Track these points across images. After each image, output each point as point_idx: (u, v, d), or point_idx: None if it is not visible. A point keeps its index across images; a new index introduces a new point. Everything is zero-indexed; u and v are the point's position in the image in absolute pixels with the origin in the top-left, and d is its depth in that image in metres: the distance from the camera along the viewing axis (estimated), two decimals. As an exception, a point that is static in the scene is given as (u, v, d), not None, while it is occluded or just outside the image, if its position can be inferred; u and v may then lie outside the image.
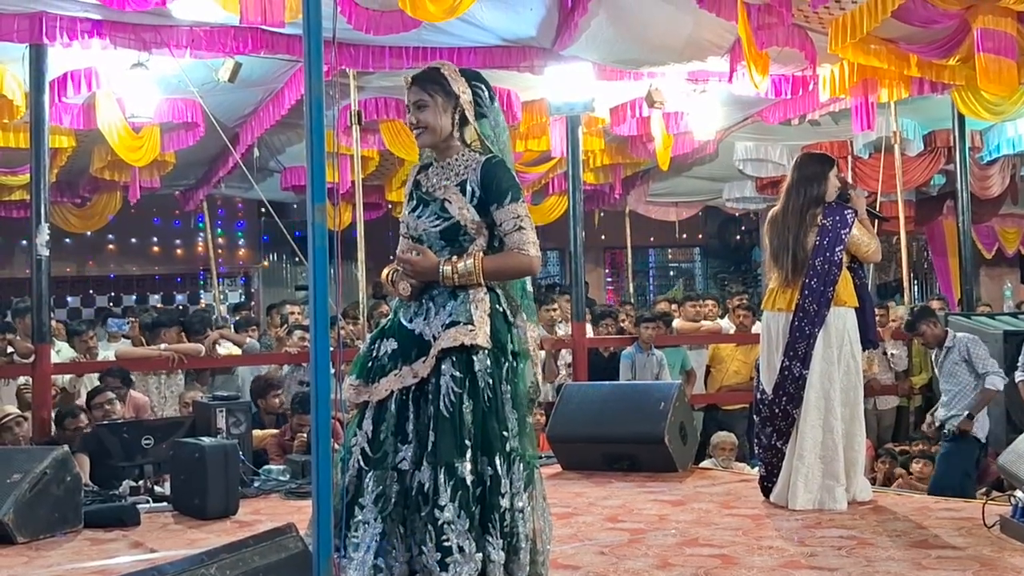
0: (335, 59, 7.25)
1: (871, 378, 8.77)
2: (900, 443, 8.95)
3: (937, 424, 7.34)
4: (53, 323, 7.95)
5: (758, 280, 16.53)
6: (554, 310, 9.38)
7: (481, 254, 3.30)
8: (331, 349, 2.52)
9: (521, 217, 3.30)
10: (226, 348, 8.60)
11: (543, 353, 3.50)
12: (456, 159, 3.39)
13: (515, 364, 3.29)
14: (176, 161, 10.34)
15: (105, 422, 6.46)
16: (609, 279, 18.07)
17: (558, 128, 9.61)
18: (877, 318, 6.90)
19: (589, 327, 9.22)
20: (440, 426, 3.17)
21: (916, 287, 14.98)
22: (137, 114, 8.55)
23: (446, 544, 3.10)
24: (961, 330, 7.55)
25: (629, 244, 14.71)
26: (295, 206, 13.46)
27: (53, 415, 6.98)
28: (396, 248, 3.54)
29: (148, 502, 5.75)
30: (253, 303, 15.05)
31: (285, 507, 5.73)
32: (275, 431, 7.28)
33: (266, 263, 16.44)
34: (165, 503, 5.76)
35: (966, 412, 7.01)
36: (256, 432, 7.15)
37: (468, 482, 3.14)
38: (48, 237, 7.23)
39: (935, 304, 10.73)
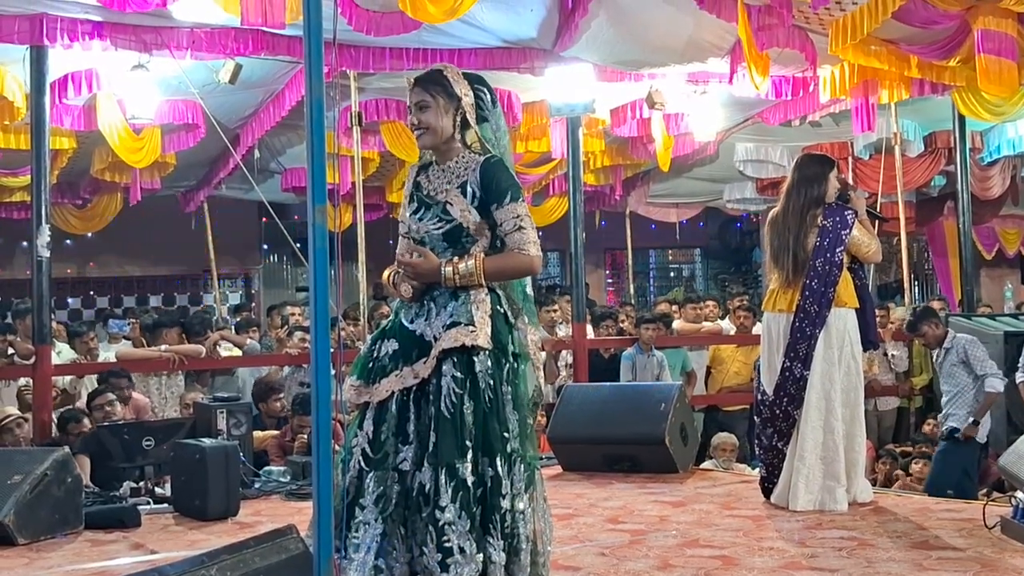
0: (335, 60, 7.25)
1: (872, 379, 8.77)
2: (901, 444, 8.95)
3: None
4: (54, 324, 7.96)
5: (758, 281, 16.52)
6: (554, 311, 9.38)
7: (482, 255, 3.30)
8: (331, 350, 2.52)
9: (521, 217, 3.30)
10: (227, 349, 8.60)
11: (544, 355, 3.50)
12: (457, 161, 3.39)
13: (516, 365, 3.30)
14: (177, 162, 10.33)
15: (106, 423, 6.46)
16: (610, 280, 18.07)
17: (558, 129, 9.61)
18: (878, 319, 6.90)
19: (590, 328, 9.22)
20: (441, 427, 3.17)
21: (917, 288, 14.97)
22: (138, 115, 8.55)
23: (447, 545, 3.10)
24: (962, 331, 7.54)
25: (630, 245, 14.71)
26: (296, 207, 13.47)
27: (55, 417, 6.98)
28: (396, 249, 3.55)
29: (149, 503, 5.74)
30: (253, 304, 15.04)
31: (286, 508, 5.73)
32: (276, 432, 7.28)
33: (267, 264, 16.43)
34: (166, 504, 5.76)
35: (971, 418, 6.99)
36: (257, 433, 7.14)
37: (469, 483, 3.14)
38: (49, 238, 7.23)
39: (936, 305, 10.73)
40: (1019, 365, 7.18)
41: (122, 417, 6.82)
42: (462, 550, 3.10)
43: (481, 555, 3.13)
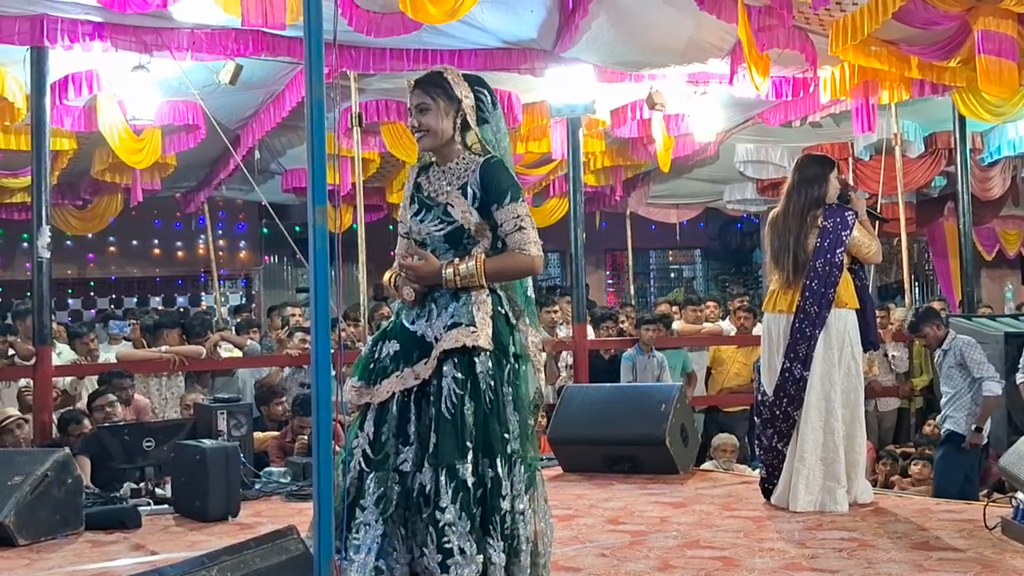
0: (336, 61, 7.25)
1: (872, 380, 8.77)
2: (901, 445, 8.96)
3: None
4: (54, 325, 7.95)
5: (759, 282, 16.52)
6: (555, 312, 9.38)
7: (483, 256, 3.30)
8: (332, 351, 2.52)
9: (521, 217, 3.30)
10: (227, 350, 8.59)
11: (544, 356, 3.50)
12: (457, 162, 3.39)
13: (517, 366, 3.30)
14: (177, 163, 10.34)
15: (106, 424, 6.46)
16: (610, 281, 18.07)
17: (559, 130, 9.61)
18: (878, 320, 6.90)
19: (590, 329, 9.22)
20: (441, 428, 3.17)
21: (917, 289, 14.97)
22: (138, 116, 8.55)
23: (447, 546, 3.10)
24: (962, 332, 7.53)
25: (630, 246, 14.71)
26: (296, 208, 13.47)
27: (55, 418, 6.98)
28: (396, 250, 3.55)
29: (149, 504, 5.74)
30: (254, 305, 15.05)
31: (286, 509, 5.73)
32: (276, 433, 7.29)
33: (267, 265, 16.44)
34: (166, 505, 5.76)
35: (973, 425, 6.97)
36: (257, 434, 7.15)
37: (469, 484, 3.14)
38: (49, 239, 7.23)
39: (936, 305, 10.73)
40: (1019, 366, 7.18)
41: (122, 418, 6.82)
42: (462, 551, 3.10)
43: (481, 556, 3.13)
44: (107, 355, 8.33)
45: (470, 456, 3.16)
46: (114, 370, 7.38)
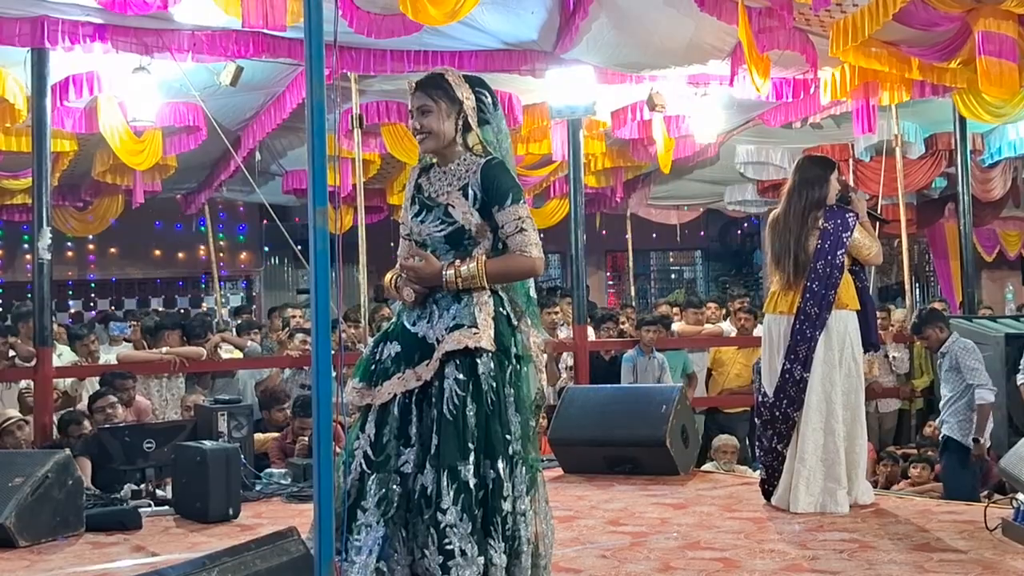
0: (336, 63, 7.25)
1: (872, 381, 8.77)
2: (902, 446, 8.95)
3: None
4: (55, 326, 7.95)
5: (759, 283, 16.52)
6: (555, 313, 9.38)
7: (484, 257, 3.30)
8: (332, 352, 2.52)
9: (522, 218, 3.30)
10: (227, 351, 8.59)
11: (545, 357, 3.50)
12: (458, 163, 3.39)
13: (518, 367, 3.30)
14: (178, 165, 10.33)
15: (107, 426, 6.46)
16: (610, 282, 18.07)
17: (559, 131, 9.61)
18: (878, 321, 6.89)
19: (591, 330, 9.21)
20: (443, 429, 3.17)
21: (917, 290, 14.97)
22: (139, 118, 8.55)
23: (448, 547, 3.10)
24: (963, 333, 7.51)
25: (630, 247, 14.71)
26: (297, 209, 13.47)
27: (56, 420, 6.98)
28: (397, 251, 3.55)
29: (150, 506, 5.74)
30: (254, 306, 15.05)
31: (287, 510, 5.73)
32: (277, 435, 7.28)
33: (267, 266, 16.44)
34: (167, 507, 5.76)
35: (971, 436, 6.95)
36: (258, 436, 7.15)
37: (471, 485, 3.14)
38: (50, 241, 7.23)
39: (937, 306, 10.73)
40: (1020, 367, 7.17)
41: (123, 419, 6.82)
42: (463, 552, 3.10)
43: (482, 557, 3.13)
44: (107, 356, 8.33)
45: (472, 457, 3.16)
46: (115, 371, 7.38)
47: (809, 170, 5.38)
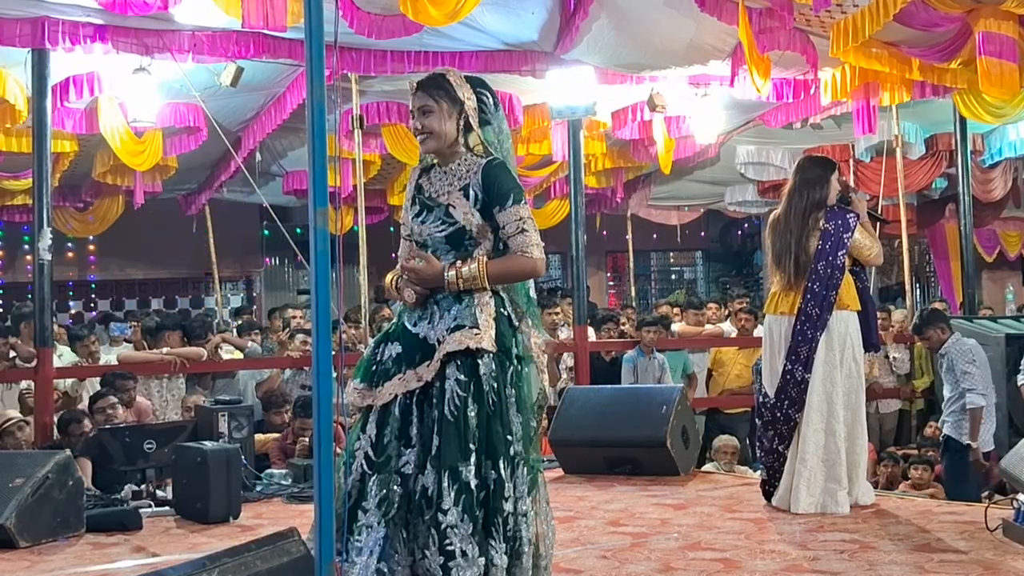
0: (337, 63, 7.25)
1: (873, 382, 8.77)
2: (902, 447, 8.95)
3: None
4: (55, 327, 7.95)
5: (760, 284, 16.52)
6: (556, 314, 9.38)
7: (485, 258, 3.30)
8: (333, 353, 2.52)
9: (523, 219, 3.30)
10: (228, 352, 8.59)
11: (546, 357, 3.50)
12: (459, 164, 3.39)
13: (519, 368, 3.30)
14: (178, 165, 10.33)
15: (107, 426, 6.46)
16: (611, 283, 18.06)
17: (560, 132, 9.61)
18: (879, 321, 6.89)
19: (591, 331, 9.21)
20: (444, 430, 3.17)
21: (918, 290, 14.97)
22: (139, 118, 8.55)
23: (449, 548, 3.10)
24: (963, 333, 7.50)
25: (631, 248, 14.70)
26: (297, 210, 13.47)
27: (56, 420, 6.98)
28: (397, 252, 3.55)
29: (150, 506, 5.74)
30: (255, 307, 15.05)
31: (287, 511, 5.73)
32: (277, 435, 7.28)
33: (268, 267, 16.44)
34: (167, 507, 5.75)
35: (964, 439, 6.95)
36: (258, 436, 7.14)
37: (472, 486, 3.14)
38: (50, 241, 7.24)
39: (937, 306, 10.73)
40: (1020, 368, 7.17)
41: (123, 420, 6.82)
42: (464, 553, 3.10)
43: (483, 558, 3.13)
44: (108, 357, 8.33)
45: (473, 458, 3.16)
46: (116, 372, 7.38)
47: (809, 171, 5.37)
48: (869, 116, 8.81)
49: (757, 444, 5.59)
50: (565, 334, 9.25)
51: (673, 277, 18.97)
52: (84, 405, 7.20)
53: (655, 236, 16.05)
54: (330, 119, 2.52)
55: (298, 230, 11.88)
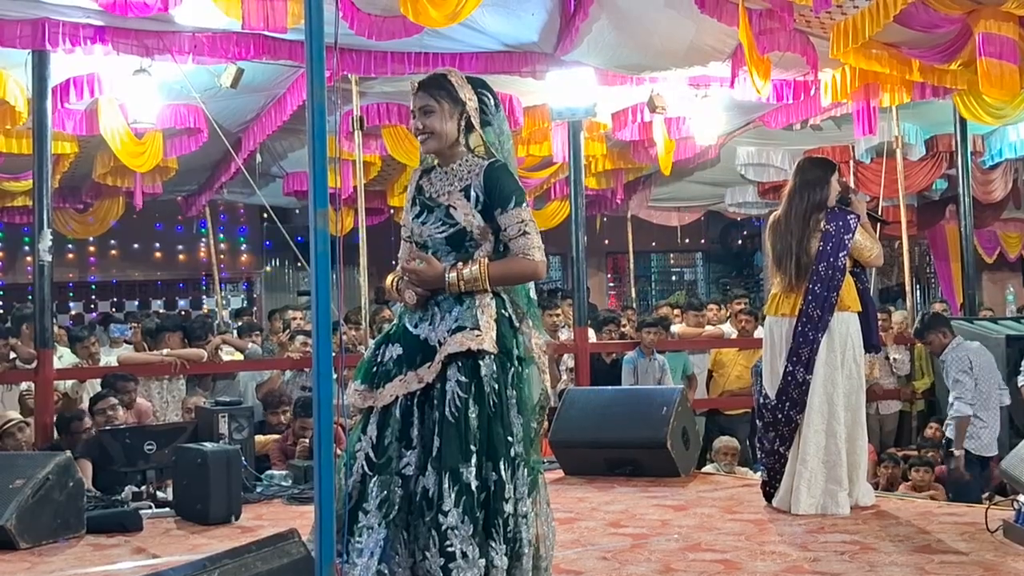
0: (337, 64, 7.26)
1: (873, 383, 8.76)
2: (903, 448, 8.95)
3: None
4: (55, 328, 7.95)
5: (760, 285, 16.52)
6: (557, 315, 9.38)
7: (486, 260, 3.30)
8: (333, 354, 2.52)
9: (525, 222, 3.30)
10: (228, 353, 8.59)
11: (546, 358, 3.50)
12: (460, 164, 3.39)
13: (520, 369, 3.29)
14: (178, 167, 10.34)
15: (107, 427, 6.46)
16: (611, 284, 18.06)
17: (560, 133, 9.61)
18: (879, 322, 6.89)
19: (592, 332, 9.21)
20: (445, 431, 3.17)
21: (918, 291, 14.97)
22: (140, 120, 8.55)
23: (449, 549, 3.10)
24: (964, 334, 7.50)
25: (631, 249, 14.71)
26: (297, 211, 13.47)
27: (55, 419, 6.98)
28: (398, 253, 3.55)
29: (150, 507, 5.74)
30: (255, 308, 15.06)
31: (288, 512, 5.73)
32: (277, 436, 7.28)
33: (268, 268, 16.45)
34: (167, 508, 5.75)
35: (952, 449, 6.95)
36: (259, 437, 7.14)
37: (472, 487, 3.13)
38: (51, 243, 7.24)
39: (937, 307, 10.73)
40: (1021, 369, 7.16)
41: (124, 421, 6.82)
42: (464, 555, 3.10)
43: (483, 560, 3.12)
44: (108, 358, 8.33)
45: (473, 460, 3.15)
46: (119, 373, 7.38)
47: (810, 172, 5.37)
48: (869, 117, 8.81)
49: (758, 445, 5.58)
50: (566, 335, 9.25)
51: (673, 278, 18.97)
52: (84, 406, 7.19)
53: (655, 237, 16.05)
54: (330, 120, 2.52)
55: (299, 238, 11.89)
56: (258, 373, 8.67)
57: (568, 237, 9.16)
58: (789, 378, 5.17)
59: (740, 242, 18.10)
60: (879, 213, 8.38)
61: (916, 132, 10.70)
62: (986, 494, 6.57)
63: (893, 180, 10.15)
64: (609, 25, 7.57)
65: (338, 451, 3.65)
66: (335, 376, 2.58)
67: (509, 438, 3.21)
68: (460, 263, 3.30)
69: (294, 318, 9.80)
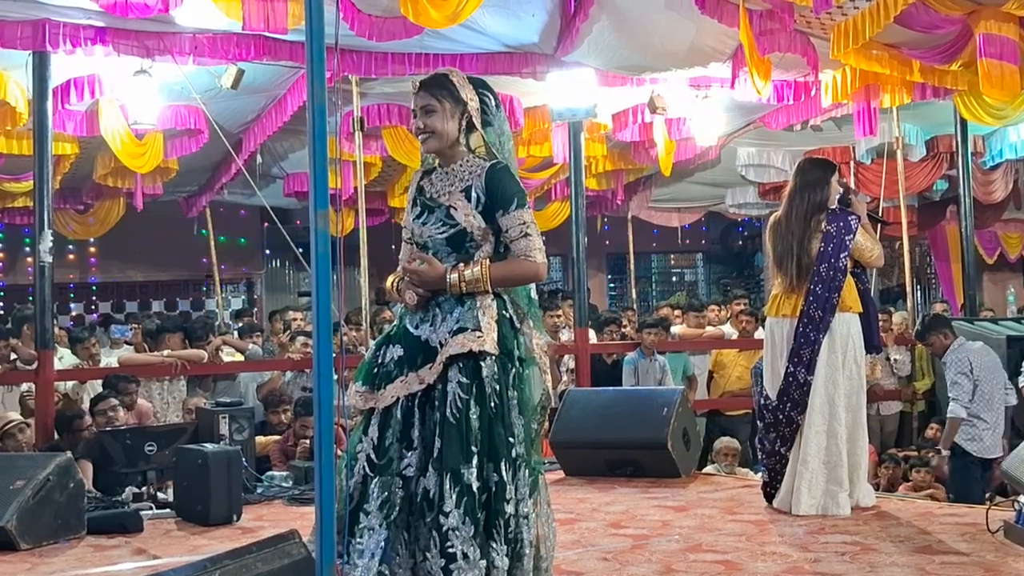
0: (337, 65, 7.26)
1: (874, 383, 8.76)
2: (904, 448, 8.94)
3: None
4: (56, 329, 7.96)
5: (760, 286, 16.52)
6: (558, 316, 9.38)
7: (487, 261, 3.30)
8: (334, 355, 2.52)
9: (527, 223, 3.30)
10: (229, 354, 8.59)
11: (547, 359, 3.50)
12: (461, 165, 3.39)
13: (522, 370, 3.29)
14: (179, 168, 10.34)
15: (108, 428, 6.46)
16: (611, 285, 18.05)
17: (560, 134, 9.62)
18: (880, 323, 6.89)
19: (592, 333, 9.22)
20: (446, 432, 3.17)
21: (919, 292, 14.97)
22: (140, 121, 8.56)
23: (450, 550, 3.10)
24: (964, 335, 7.49)
25: (631, 250, 14.71)
26: (298, 212, 13.47)
27: (56, 420, 6.97)
28: (398, 254, 3.54)
29: (151, 508, 5.74)
30: (256, 309, 15.05)
31: (288, 513, 5.73)
32: (278, 437, 7.28)
33: (269, 269, 16.45)
34: (168, 509, 5.75)
35: (967, 446, 6.94)
36: (259, 438, 7.14)
37: (473, 488, 3.13)
38: (51, 244, 7.24)
39: (938, 308, 10.72)
40: (1022, 370, 7.16)
41: (124, 422, 6.82)
42: (465, 556, 3.10)
43: (484, 560, 3.12)
44: (108, 359, 8.33)
45: (474, 460, 3.15)
46: (121, 374, 7.38)
47: (810, 172, 5.37)
48: (870, 118, 8.81)
49: (758, 446, 5.58)
50: (566, 336, 9.25)
51: (674, 279, 18.97)
52: (85, 407, 7.19)
53: (656, 238, 16.05)
54: (331, 121, 2.52)
55: (298, 234, 11.89)
56: (259, 374, 8.67)
57: (569, 238, 9.16)
58: (790, 379, 5.16)
59: (741, 243, 18.10)
60: (879, 214, 8.38)
61: (917, 133, 10.69)
62: (987, 494, 6.57)
63: (894, 181, 10.15)
64: (609, 26, 7.57)
65: (339, 452, 3.65)
66: (336, 377, 2.58)
67: (510, 439, 3.21)
68: (461, 264, 3.29)
69: (295, 319, 9.81)
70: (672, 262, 18.93)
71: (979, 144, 10.95)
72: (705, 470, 7.34)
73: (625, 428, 6.50)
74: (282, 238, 9.15)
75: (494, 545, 3.14)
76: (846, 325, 5.19)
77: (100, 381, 7.56)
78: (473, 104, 3.36)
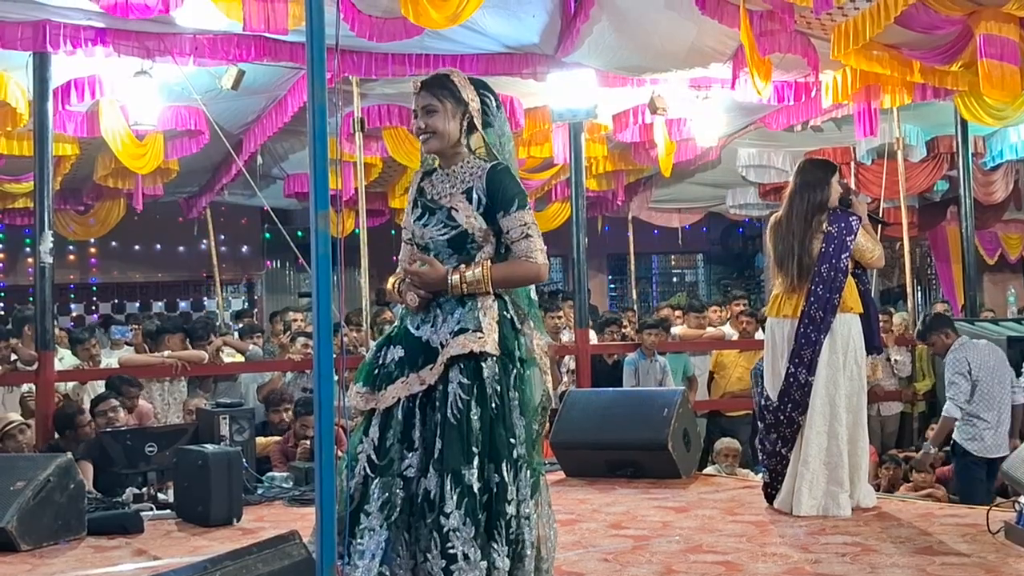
0: (338, 66, 7.26)
1: (875, 384, 8.75)
2: (904, 449, 8.94)
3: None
4: (56, 330, 7.96)
5: (761, 286, 16.52)
6: (558, 317, 9.38)
7: (489, 262, 3.29)
8: (334, 356, 2.52)
9: (528, 224, 3.30)
10: (229, 355, 8.59)
11: (547, 360, 3.50)
12: (462, 166, 3.39)
13: (522, 371, 3.29)
14: (179, 168, 10.34)
15: (108, 429, 6.46)
16: (612, 286, 18.05)
17: (561, 135, 9.61)
18: (880, 324, 6.88)
19: (593, 334, 9.21)
20: (447, 433, 3.16)
21: (919, 293, 14.96)
22: (141, 122, 8.56)
23: (451, 551, 3.10)
24: (965, 336, 7.49)
25: (632, 251, 14.71)
26: (298, 213, 13.47)
27: (56, 421, 6.97)
28: (400, 256, 3.54)
29: (151, 509, 5.74)
30: (256, 310, 15.06)
31: (288, 514, 5.72)
32: (278, 438, 7.28)
33: (269, 269, 16.45)
34: (168, 510, 5.75)
35: (969, 445, 6.94)
36: (260, 439, 7.14)
37: (474, 489, 3.13)
38: (52, 244, 7.24)
39: (938, 308, 10.71)
40: (1023, 370, 7.15)
41: (125, 423, 6.82)
42: (466, 556, 3.10)
43: (485, 562, 3.12)
44: (109, 360, 8.32)
45: (475, 461, 3.15)
46: (123, 376, 7.38)
47: (810, 173, 5.37)
48: (870, 118, 8.81)
49: (759, 447, 5.58)
50: (567, 337, 9.25)
51: (674, 280, 18.97)
52: (85, 408, 7.18)
53: (656, 239, 16.05)
54: (331, 122, 2.52)
55: (299, 233, 11.89)
56: (259, 375, 8.67)
57: (569, 239, 9.16)
58: (791, 379, 5.16)
59: (741, 244, 18.09)
60: (879, 215, 8.38)
61: (917, 133, 10.69)
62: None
63: (894, 181, 10.15)
64: (610, 27, 7.57)
65: (339, 453, 3.65)
66: (336, 378, 2.58)
67: (511, 440, 3.21)
68: (463, 265, 3.29)
69: (295, 320, 9.81)
70: (672, 263, 18.93)
71: (979, 145, 10.95)
72: (706, 471, 7.34)
73: (626, 429, 6.50)
74: (282, 239, 9.16)
75: (495, 546, 3.14)
76: (847, 326, 5.18)
77: (100, 382, 7.56)
78: (474, 105, 3.36)
